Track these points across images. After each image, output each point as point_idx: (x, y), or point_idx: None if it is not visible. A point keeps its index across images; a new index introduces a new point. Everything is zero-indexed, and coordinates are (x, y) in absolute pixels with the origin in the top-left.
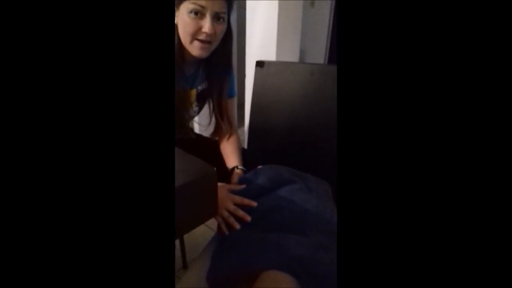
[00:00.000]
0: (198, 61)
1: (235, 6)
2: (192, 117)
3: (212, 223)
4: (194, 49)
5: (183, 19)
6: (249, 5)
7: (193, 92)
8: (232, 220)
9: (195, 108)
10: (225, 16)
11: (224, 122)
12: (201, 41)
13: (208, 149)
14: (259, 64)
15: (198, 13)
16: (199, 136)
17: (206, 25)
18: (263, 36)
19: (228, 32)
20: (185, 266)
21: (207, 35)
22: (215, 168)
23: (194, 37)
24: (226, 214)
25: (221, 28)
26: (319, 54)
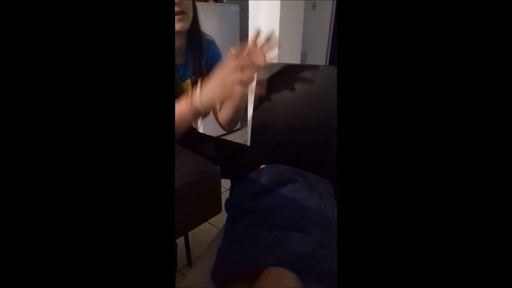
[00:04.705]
0: (185, 49)
1: None
2: None
3: (216, 220)
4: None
5: None
6: (251, 8)
7: (188, 82)
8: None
9: None
10: None
11: None
12: (176, 14)
13: (211, 148)
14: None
15: None
16: (202, 135)
17: None
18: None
19: (193, 2)
20: (189, 263)
21: (176, 4)
22: (219, 167)
23: None
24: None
25: None
26: (321, 55)
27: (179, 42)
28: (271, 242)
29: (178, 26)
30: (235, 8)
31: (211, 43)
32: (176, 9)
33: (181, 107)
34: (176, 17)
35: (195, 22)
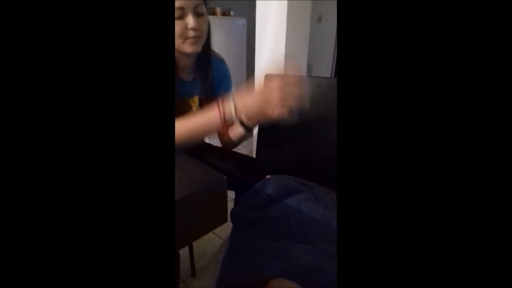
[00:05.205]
0: (194, 66)
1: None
2: None
3: (221, 231)
4: (187, 47)
5: None
6: (258, 21)
7: (195, 99)
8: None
9: None
10: (204, 10)
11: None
12: (191, 37)
13: (217, 158)
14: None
15: (180, 15)
16: (208, 145)
17: (190, 21)
18: (272, 51)
19: (208, 24)
20: (193, 274)
21: (194, 30)
22: (225, 177)
23: (183, 36)
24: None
25: (203, 21)
26: (326, 67)
27: (188, 60)
28: (276, 253)
29: (191, 48)
30: (242, 21)
31: (220, 61)
32: (193, 33)
33: (214, 114)
34: (192, 40)
35: (207, 41)
